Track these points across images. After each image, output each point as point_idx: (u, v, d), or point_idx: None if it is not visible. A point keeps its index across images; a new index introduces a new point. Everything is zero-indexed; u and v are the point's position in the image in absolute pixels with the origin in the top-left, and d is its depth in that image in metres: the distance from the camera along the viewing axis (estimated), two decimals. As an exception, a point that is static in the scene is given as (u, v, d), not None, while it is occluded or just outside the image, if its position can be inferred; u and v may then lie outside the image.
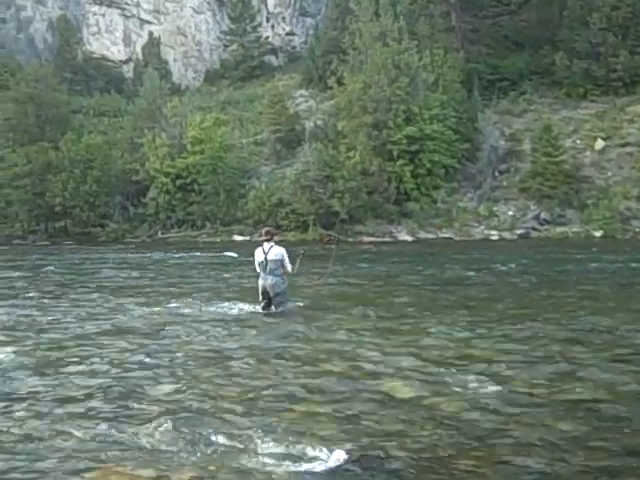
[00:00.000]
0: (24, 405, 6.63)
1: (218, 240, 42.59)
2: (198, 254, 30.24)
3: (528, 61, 50.86)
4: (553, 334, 9.74)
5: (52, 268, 23.73)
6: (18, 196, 49.06)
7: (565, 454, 5.15)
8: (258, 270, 12.49)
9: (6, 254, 34.09)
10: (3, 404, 6.67)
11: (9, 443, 5.61)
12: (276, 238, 12.84)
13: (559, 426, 5.77)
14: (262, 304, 12.39)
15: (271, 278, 12.23)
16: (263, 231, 12.91)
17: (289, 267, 12.42)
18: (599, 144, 42.92)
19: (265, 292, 12.31)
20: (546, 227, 38.67)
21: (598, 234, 36.34)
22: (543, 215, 39.35)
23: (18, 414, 6.36)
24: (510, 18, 54.83)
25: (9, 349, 9.23)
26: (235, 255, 27.73)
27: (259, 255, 12.37)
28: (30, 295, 15.69)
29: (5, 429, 5.94)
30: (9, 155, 50.59)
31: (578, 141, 43.84)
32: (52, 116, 52.62)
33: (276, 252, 12.29)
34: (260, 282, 12.37)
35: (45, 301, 14.64)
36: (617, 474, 4.87)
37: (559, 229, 38.02)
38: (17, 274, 21.55)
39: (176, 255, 29.93)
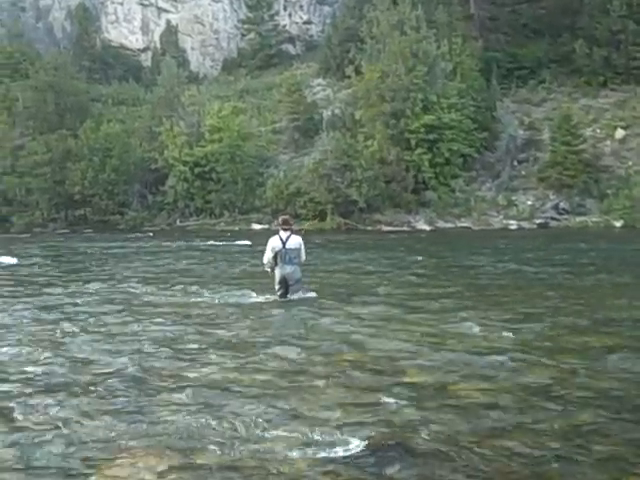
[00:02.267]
0: (39, 393, 6.72)
1: (236, 229, 42.72)
2: (210, 243, 30.33)
3: (547, 49, 50.29)
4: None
5: None
6: (38, 184, 49.48)
7: (585, 443, 5.15)
8: (269, 258, 12.31)
9: None
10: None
11: (28, 429, 5.69)
12: (293, 227, 12.82)
13: (579, 415, 5.78)
14: (279, 292, 12.35)
15: (290, 267, 12.18)
16: (281, 219, 12.88)
17: (304, 256, 12.46)
18: (619, 133, 42.50)
19: (283, 280, 12.23)
20: (565, 217, 38.41)
21: (618, 224, 36.07)
22: (562, 205, 39.08)
23: (34, 401, 6.44)
24: (529, 6, 54.23)
25: None
26: (249, 243, 27.68)
27: (276, 243, 12.23)
28: None
29: (23, 416, 6.03)
30: (29, 143, 50.96)
31: (598, 130, 43.42)
32: (71, 104, 52.99)
33: (295, 241, 12.29)
34: (278, 271, 12.23)
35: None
36: (636, 464, 4.86)
37: (578, 219, 37.76)
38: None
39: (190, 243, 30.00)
